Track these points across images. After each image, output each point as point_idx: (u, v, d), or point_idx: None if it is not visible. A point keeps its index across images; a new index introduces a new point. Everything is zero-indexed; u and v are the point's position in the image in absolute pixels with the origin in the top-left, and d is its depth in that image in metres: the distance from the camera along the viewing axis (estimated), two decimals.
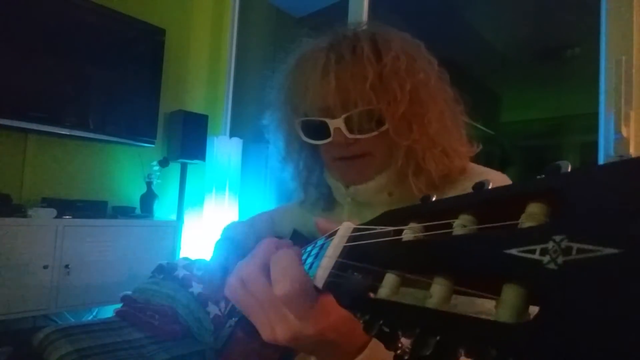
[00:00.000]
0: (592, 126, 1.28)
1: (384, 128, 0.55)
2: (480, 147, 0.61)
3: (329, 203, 0.69)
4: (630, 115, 1.15)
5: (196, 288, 1.68)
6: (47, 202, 1.91)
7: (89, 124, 2.04)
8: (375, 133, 0.55)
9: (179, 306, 1.62)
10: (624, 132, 1.15)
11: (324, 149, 0.62)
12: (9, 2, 1.80)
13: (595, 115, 1.26)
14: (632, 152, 1.14)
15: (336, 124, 0.56)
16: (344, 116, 0.55)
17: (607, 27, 1.23)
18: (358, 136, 0.56)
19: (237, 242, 0.72)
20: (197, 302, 1.64)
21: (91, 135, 2.06)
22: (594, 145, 1.26)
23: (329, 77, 0.55)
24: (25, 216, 1.76)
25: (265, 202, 2.56)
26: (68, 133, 1.97)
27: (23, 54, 1.85)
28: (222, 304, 1.64)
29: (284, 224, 0.78)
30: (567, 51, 2.67)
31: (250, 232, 0.76)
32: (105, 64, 2.12)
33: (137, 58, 2.24)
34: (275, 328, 0.32)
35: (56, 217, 1.83)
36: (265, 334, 0.33)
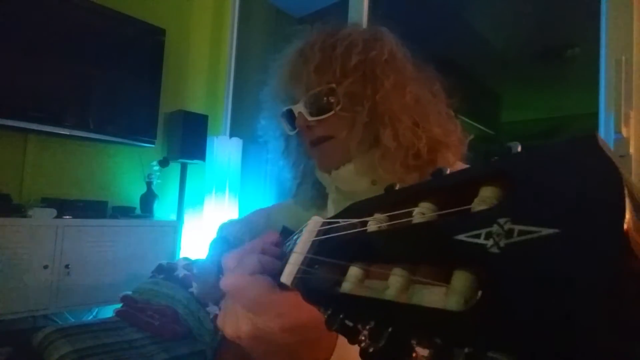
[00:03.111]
0: (592, 126, 1.28)
1: (337, 107, 0.57)
2: (471, 136, 0.61)
3: (324, 200, 0.69)
4: (630, 115, 1.15)
5: (196, 288, 1.68)
6: (47, 202, 1.91)
7: (89, 124, 2.04)
8: (330, 113, 0.58)
9: (179, 306, 1.62)
10: (624, 132, 1.15)
11: (302, 138, 0.65)
12: (9, 2, 1.80)
13: (595, 115, 1.26)
14: (632, 152, 1.14)
15: (298, 108, 0.60)
16: (302, 100, 0.59)
17: (607, 27, 1.23)
18: (317, 117, 0.59)
19: (231, 242, 0.72)
20: (197, 302, 1.63)
21: (91, 135, 2.05)
22: None
23: (286, 69, 0.61)
24: (25, 216, 1.76)
25: (265, 202, 2.56)
26: (68, 133, 1.97)
27: (23, 54, 1.84)
28: (214, 306, 1.63)
29: (279, 221, 0.78)
30: (567, 51, 2.67)
31: (245, 231, 0.77)
32: (105, 64, 2.12)
33: (137, 58, 2.24)
34: (240, 324, 0.33)
35: (56, 217, 1.83)
36: (231, 330, 0.33)
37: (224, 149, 2.44)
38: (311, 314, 0.30)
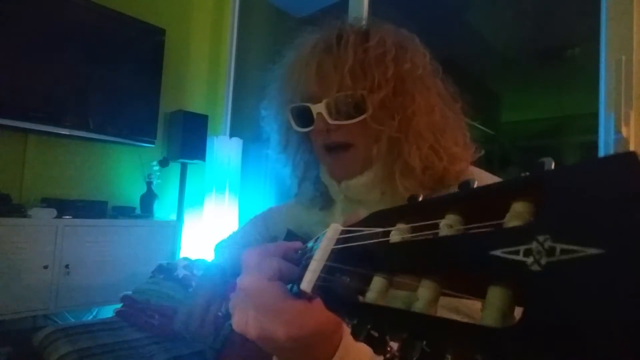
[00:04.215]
0: (592, 126, 1.27)
1: (365, 115, 0.55)
2: (482, 152, 0.60)
3: (326, 202, 0.68)
4: (630, 115, 1.15)
5: (179, 321, 1.67)
6: (47, 202, 1.91)
7: (89, 124, 2.04)
8: (355, 120, 0.55)
9: (179, 306, 1.62)
10: (624, 132, 1.15)
11: (312, 138, 0.62)
12: (9, 2, 1.80)
13: (595, 115, 1.26)
14: None
15: (318, 108, 0.57)
16: (325, 101, 0.56)
17: (607, 27, 1.23)
18: (338, 122, 0.56)
19: (226, 269, 0.72)
20: None
21: (91, 135, 2.05)
22: (594, 145, 1.26)
23: (312, 63, 0.57)
24: (25, 216, 1.76)
25: (265, 202, 2.56)
26: (68, 133, 1.97)
27: (23, 54, 1.84)
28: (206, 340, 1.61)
29: (279, 224, 0.77)
30: (567, 51, 2.66)
31: (241, 247, 0.76)
32: (106, 64, 2.12)
33: (137, 58, 2.24)
34: (249, 321, 0.33)
35: (56, 217, 1.83)
36: (239, 323, 0.34)
37: (224, 149, 2.44)
38: (317, 322, 0.31)
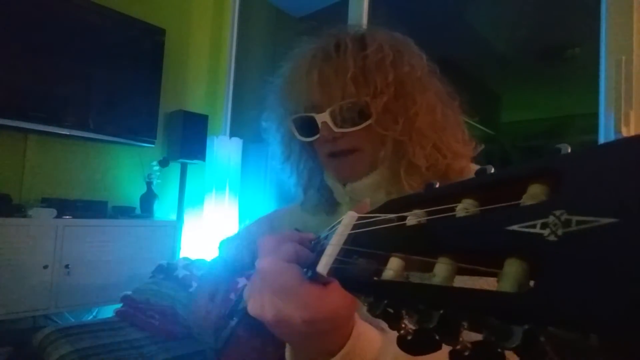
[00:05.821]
0: (592, 126, 1.28)
1: (369, 121, 0.55)
2: (482, 147, 0.61)
3: (331, 206, 0.68)
4: (630, 115, 1.15)
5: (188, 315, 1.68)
6: (47, 202, 1.91)
7: (89, 124, 2.04)
8: (361, 126, 0.56)
9: (179, 306, 1.62)
10: (624, 132, 1.15)
11: (317, 147, 0.62)
12: (9, 2, 1.80)
13: (595, 115, 1.26)
14: None
15: (322, 118, 0.57)
16: (329, 110, 0.56)
17: (607, 27, 1.23)
18: (344, 130, 0.56)
19: (229, 263, 0.73)
20: None
21: (91, 135, 2.05)
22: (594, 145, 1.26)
23: (313, 73, 0.57)
24: (25, 216, 1.76)
25: (265, 202, 2.56)
26: (68, 133, 1.97)
27: (23, 54, 1.85)
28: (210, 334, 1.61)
29: (284, 226, 0.78)
30: (567, 51, 2.66)
31: (244, 248, 0.76)
32: (105, 64, 2.12)
33: (137, 58, 2.24)
34: (265, 304, 0.33)
35: (56, 217, 1.83)
36: (254, 307, 0.34)
37: (224, 149, 2.44)
38: (332, 306, 0.32)
